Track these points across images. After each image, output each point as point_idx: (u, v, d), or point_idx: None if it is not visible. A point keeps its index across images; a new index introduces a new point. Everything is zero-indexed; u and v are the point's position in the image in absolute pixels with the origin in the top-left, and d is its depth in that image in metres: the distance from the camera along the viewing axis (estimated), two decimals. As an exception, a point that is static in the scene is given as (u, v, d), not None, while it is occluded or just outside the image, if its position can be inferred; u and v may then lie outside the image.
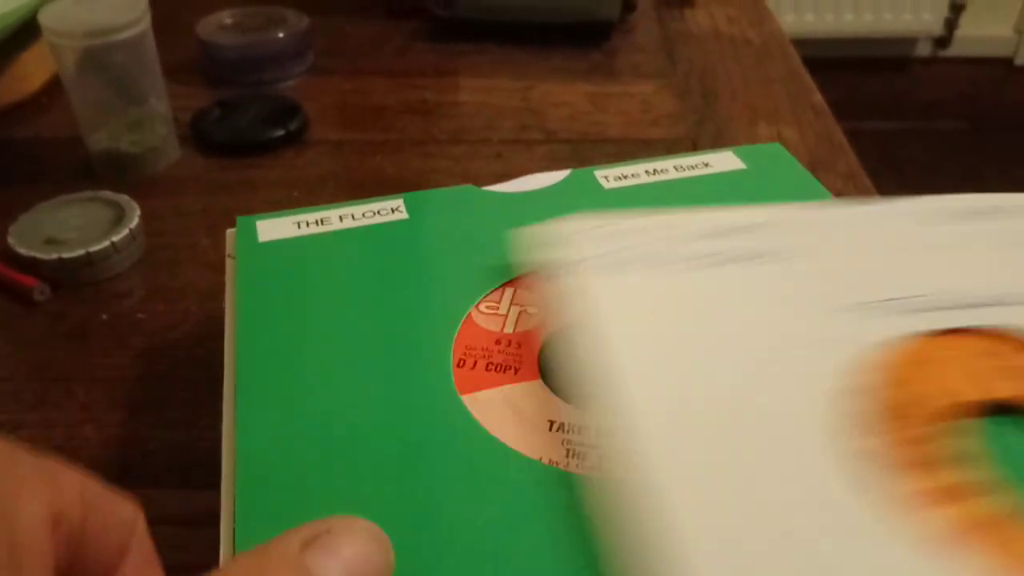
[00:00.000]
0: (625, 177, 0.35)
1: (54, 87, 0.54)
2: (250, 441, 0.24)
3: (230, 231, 0.33)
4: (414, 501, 0.22)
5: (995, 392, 0.24)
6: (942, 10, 2.05)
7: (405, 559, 0.20)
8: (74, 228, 0.40)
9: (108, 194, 0.42)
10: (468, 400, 0.25)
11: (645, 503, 0.21)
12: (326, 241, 0.31)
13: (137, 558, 0.19)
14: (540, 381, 0.26)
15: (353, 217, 0.33)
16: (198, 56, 0.58)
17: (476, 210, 0.33)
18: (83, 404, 0.33)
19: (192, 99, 0.54)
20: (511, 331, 0.28)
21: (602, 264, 0.29)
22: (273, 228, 0.32)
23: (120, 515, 0.18)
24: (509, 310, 0.29)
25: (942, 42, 2.14)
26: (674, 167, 0.36)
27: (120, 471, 0.30)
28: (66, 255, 0.38)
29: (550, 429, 0.25)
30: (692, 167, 0.36)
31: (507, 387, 0.26)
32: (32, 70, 0.54)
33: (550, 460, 0.23)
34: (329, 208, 0.33)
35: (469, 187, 0.35)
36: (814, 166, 0.48)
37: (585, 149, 0.50)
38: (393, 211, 0.33)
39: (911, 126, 1.97)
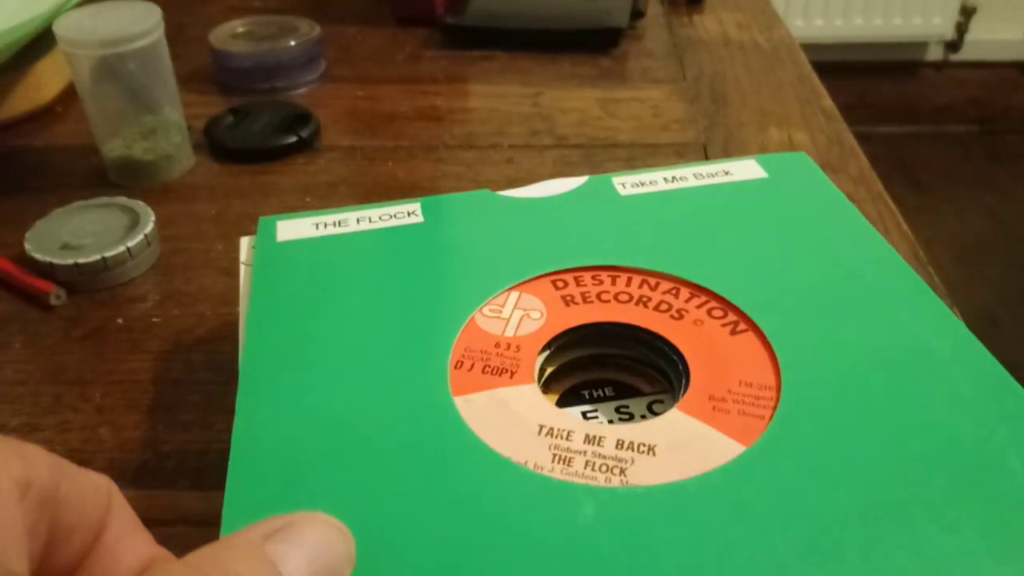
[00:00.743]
0: (643, 184, 0.34)
1: (69, 96, 0.55)
2: (245, 434, 0.24)
3: (244, 239, 0.33)
4: (397, 500, 0.22)
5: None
6: (953, 14, 2.04)
7: (383, 558, 0.20)
8: (90, 234, 0.41)
9: (123, 200, 0.43)
10: (460, 402, 0.25)
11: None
12: (342, 242, 0.32)
13: (119, 524, 0.19)
14: (535, 385, 0.26)
15: (371, 220, 0.33)
16: (211, 64, 0.59)
17: (491, 215, 0.33)
18: (99, 407, 0.34)
19: (205, 107, 0.55)
20: (512, 335, 0.28)
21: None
22: (292, 228, 0.33)
23: (93, 484, 0.19)
24: (512, 314, 0.29)
25: (953, 46, 2.13)
26: (694, 175, 0.35)
27: (135, 473, 0.31)
28: (82, 260, 0.39)
29: (539, 433, 0.24)
30: (712, 175, 0.35)
31: (500, 390, 0.26)
32: (48, 79, 0.55)
33: (535, 465, 0.23)
34: (348, 210, 0.33)
35: (485, 192, 0.35)
36: (825, 170, 0.48)
37: (596, 154, 0.50)
38: (410, 215, 0.33)
39: (922, 130, 1.96)
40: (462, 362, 0.27)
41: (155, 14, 0.45)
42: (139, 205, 0.42)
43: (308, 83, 0.58)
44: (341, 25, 0.67)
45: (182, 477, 0.31)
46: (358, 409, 0.25)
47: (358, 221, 0.33)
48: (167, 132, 0.48)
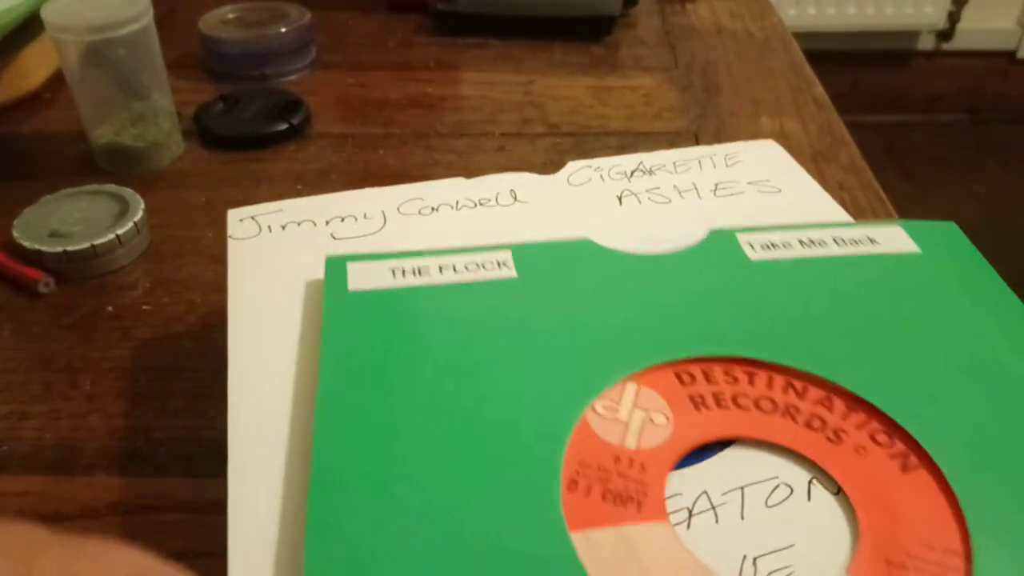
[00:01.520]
0: (774, 246, 0.30)
1: (57, 82, 0.55)
2: (321, 526, 0.21)
3: (232, 212, 0.33)
4: None
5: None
6: (945, 3, 2.04)
7: None
8: (79, 221, 0.40)
9: (112, 187, 0.43)
10: (579, 540, 0.21)
11: None
12: (424, 299, 0.28)
13: None
14: (668, 525, 0.22)
15: (455, 269, 0.29)
16: (201, 51, 0.58)
17: (597, 273, 0.29)
18: (89, 395, 0.34)
19: (195, 94, 0.54)
20: (633, 446, 0.23)
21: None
22: (365, 273, 0.29)
23: None
24: (631, 415, 0.24)
25: (945, 35, 2.13)
26: (833, 239, 0.30)
27: (126, 460, 0.31)
28: (71, 248, 0.38)
29: None
30: (856, 241, 0.30)
31: (627, 527, 0.21)
32: (35, 65, 0.54)
33: None
34: (428, 255, 0.29)
35: (586, 242, 0.30)
36: (816, 158, 0.48)
37: (587, 142, 0.50)
38: (500, 265, 0.29)
39: (913, 119, 1.97)
40: (576, 481, 0.22)
41: (144, -1, 0.45)
42: (128, 192, 0.42)
43: (299, 70, 0.58)
44: (332, 11, 0.66)
45: (173, 464, 0.31)
46: (453, 520, 0.21)
47: (440, 270, 0.29)
48: (156, 119, 0.47)
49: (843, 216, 0.33)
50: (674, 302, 0.27)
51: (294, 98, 0.52)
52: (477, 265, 0.29)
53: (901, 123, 1.95)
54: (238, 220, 0.33)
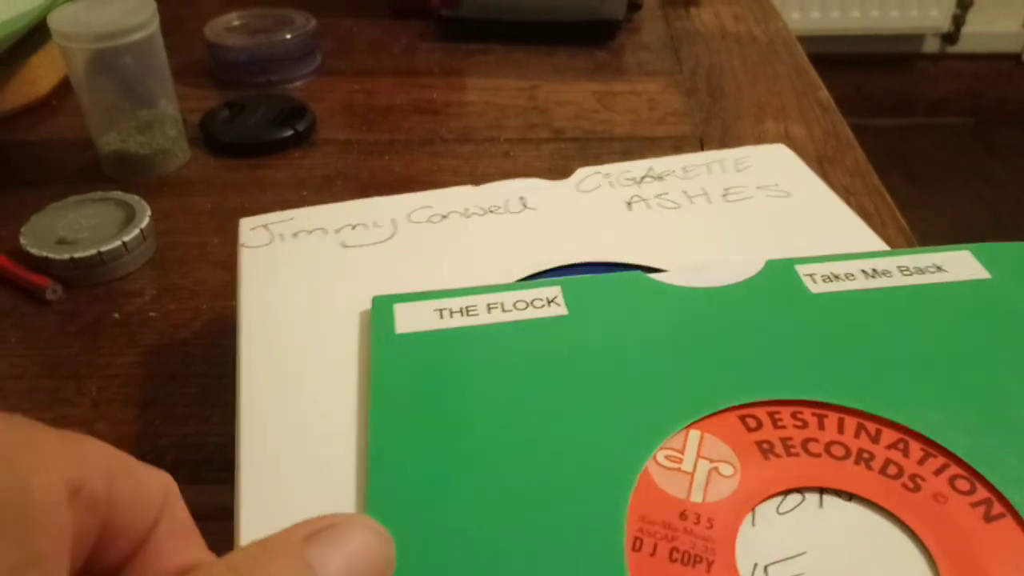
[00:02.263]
0: (836, 278, 0.28)
1: (64, 90, 0.55)
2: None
3: (244, 220, 0.33)
4: None
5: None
6: (949, 6, 2.04)
7: None
8: (85, 228, 0.41)
9: (119, 194, 0.43)
10: None
11: None
12: (473, 340, 0.27)
13: (170, 526, 0.19)
14: None
15: (503, 307, 0.28)
16: (206, 58, 0.59)
17: (650, 309, 0.28)
18: (95, 401, 0.34)
19: (201, 100, 0.54)
20: (699, 499, 0.22)
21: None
22: (412, 314, 0.28)
23: (150, 485, 0.18)
24: (696, 466, 0.23)
25: (949, 38, 2.13)
26: (897, 268, 0.29)
27: (133, 467, 0.31)
28: (78, 255, 0.39)
29: None
30: (920, 270, 0.29)
31: None
32: (42, 73, 0.55)
33: None
34: (475, 293, 0.28)
35: (637, 275, 0.29)
36: (821, 162, 0.48)
37: (592, 147, 0.50)
38: (550, 302, 0.28)
39: (919, 122, 1.96)
40: (641, 540, 0.21)
41: (150, 7, 0.45)
42: (135, 199, 0.42)
43: (304, 76, 0.58)
44: (337, 18, 0.66)
45: (179, 471, 0.31)
46: None
47: (489, 309, 0.28)
48: (162, 126, 0.48)
49: (853, 219, 0.33)
50: (735, 340, 0.26)
51: (299, 105, 0.52)
52: (526, 303, 0.28)
53: (906, 126, 1.95)
54: (250, 229, 0.33)
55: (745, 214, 0.34)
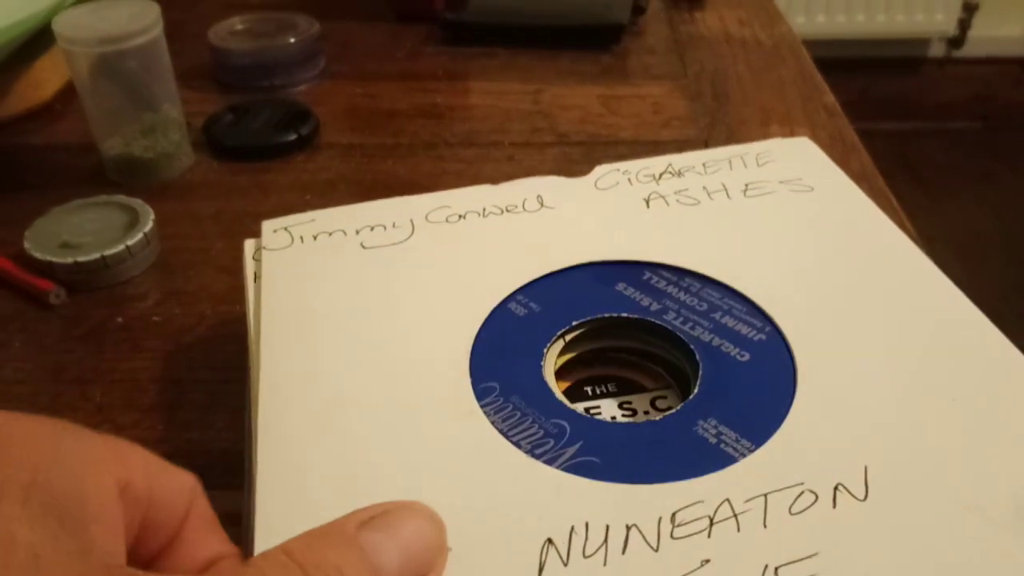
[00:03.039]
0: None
1: (68, 94, 0.55)
2: None
3: (265, 223, 0.33)
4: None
5: None
6: (955, 10, 2.04)
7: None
8: (89, 232, 0.41)
9: (122, 198, 0.43)
10: None
11: None
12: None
13: (197, 520, 0.20)
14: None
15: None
16: (210, 62, 0.59)
17: None
18: (99, 406, 0.33)
19: (205, 104, 0.54)
20: None
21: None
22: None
23: (180, 483, 0.20)
24: None
25: (955, 42, 2.13)
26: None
27: (135, 473, 0.31)
28: (82, 259, 0.38)
29: None
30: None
31: None
32: (46, 77, 0.55)
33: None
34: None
35: None
36: (826, 166, 0.48)
37: (597, 151, 0.50)
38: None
39: (924, 126, 1.96)
40: None
41: (154, 11, 0.45)
42: (138, 203, 0.42)
43: (307, 80, 0.58)
44: (340, 22, 0.66)
45: (182, 476, 0.30)
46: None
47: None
48: (166, 130, 0.47)
49: (876, 213, 0.33)
50: None
51: (303, 108, 0.52)
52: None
53: (912, 131, 1.94)
54: (272, 231, 0.33)
55: (765, 209, 0.33)
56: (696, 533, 0.21)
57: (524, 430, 0.25)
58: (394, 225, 0.33)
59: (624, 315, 0.29)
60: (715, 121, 0.53)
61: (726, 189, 0.35)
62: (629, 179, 0.36)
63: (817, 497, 0.22)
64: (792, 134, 0.51)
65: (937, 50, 2.15)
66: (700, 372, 0.27)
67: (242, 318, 0.30)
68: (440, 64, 0.61)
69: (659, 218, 0.33)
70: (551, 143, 0.51)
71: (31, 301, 0.39)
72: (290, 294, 0.30)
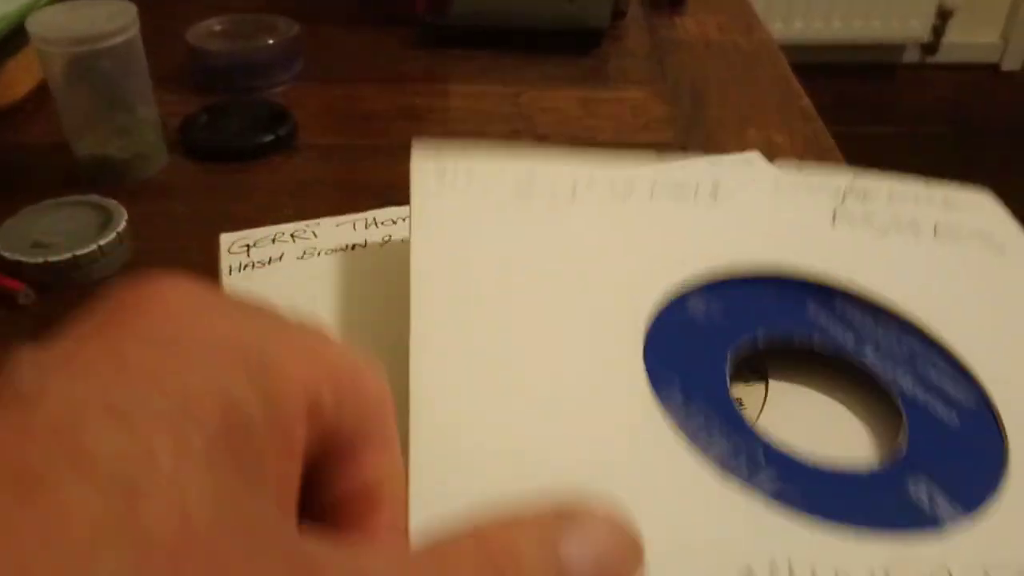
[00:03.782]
0: None
1: (41, 93, 0.54)
2: None
3: (415, 151, 0.32)
4: None
5: None
6: (930, 17, 2.06)
7: None
8: (61, 232, 0.40)
9: (95, 198, 0.42)
10: None
11: None
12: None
13: (378, 439, 0.17)
14: None
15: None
16: (188, 63, 0.58)
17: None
18: (70, 410, 0.33)
19: (182, 106, 0.54)
20: None
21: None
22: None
23: (370, 392, 0.17)
24: None
25: (930, 48, 2.16)
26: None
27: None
28: (52, 258, 0.38)
29: None
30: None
31: None
32: (19, 76, 0.54)
33: None
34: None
35: None
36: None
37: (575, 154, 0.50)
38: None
39: (899, 131, 1.98)
40: None
41: (130, 12, 0.45)
42: (112, 203, 0.42)
43: (286, 82, 0.58)
44: (320, 24, 0.66)
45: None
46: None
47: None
48: (141, 130, 0.47)
49: None
50: None
51: (280, 110, 0.52)
52: None
53: (887, 135, 1.97)
54: (421, 164, 0.31)
55: (962, 259, 0.30)
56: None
57: (712, 444, 0.23)
58: (554, 184, 0.31)
59: (818, 339, 0.27)
60: (693, 124, 0.53)
61: (916, 224, 0.32)
62: (810, 186, 0.33)
63: None
64: (769, 138, 0.52)
65: (912, 56, 2.18)
66: (905, 426, 0.25)
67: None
68: (421, 66, 0.60)
69: (849, 238, 0.30)
70: (530, 145, 0.51)
71: (0, 301, 0.38)
72: (444, 243, 0.28)
